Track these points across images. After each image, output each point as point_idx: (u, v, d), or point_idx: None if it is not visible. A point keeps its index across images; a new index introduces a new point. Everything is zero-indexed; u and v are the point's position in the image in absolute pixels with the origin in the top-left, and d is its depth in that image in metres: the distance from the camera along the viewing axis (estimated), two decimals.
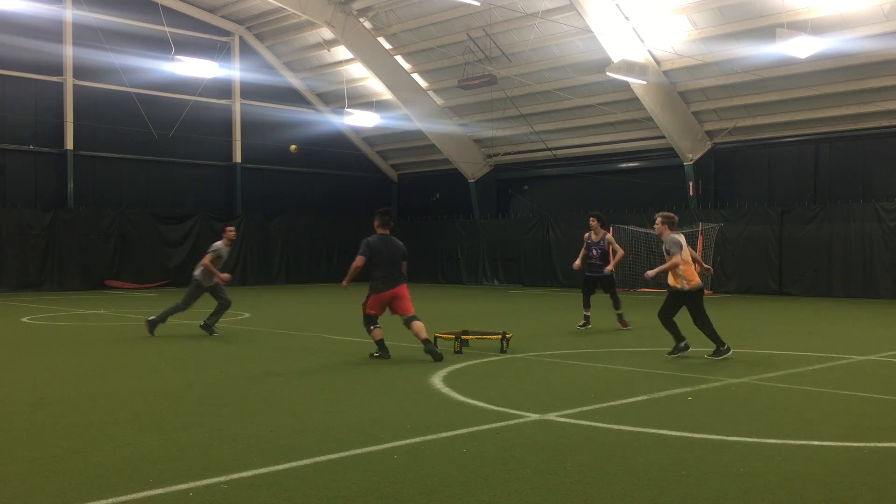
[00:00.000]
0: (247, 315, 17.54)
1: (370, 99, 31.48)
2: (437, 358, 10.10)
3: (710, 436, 6.16)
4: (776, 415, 7.00)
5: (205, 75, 27.48)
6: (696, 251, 25.58)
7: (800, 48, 19.81)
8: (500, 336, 11.21)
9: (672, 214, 10.69)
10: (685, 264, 10.21)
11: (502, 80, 26.98)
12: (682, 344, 10.38)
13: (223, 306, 13.48)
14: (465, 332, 11.40)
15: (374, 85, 30.63)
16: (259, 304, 20.92)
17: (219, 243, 13.58)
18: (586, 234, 14.40)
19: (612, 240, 14.33)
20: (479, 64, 26.98)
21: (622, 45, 23.78)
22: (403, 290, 10.46)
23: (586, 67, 26.15)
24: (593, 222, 14.22)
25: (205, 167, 31.19)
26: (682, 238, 10.46)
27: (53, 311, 18.64)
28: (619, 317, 14.40)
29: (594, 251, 14.15)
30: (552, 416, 6.84)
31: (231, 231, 13.90)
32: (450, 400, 7.64)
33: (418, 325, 10.38)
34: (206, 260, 13.38)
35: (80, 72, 27.77)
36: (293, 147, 14.16)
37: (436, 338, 11.50)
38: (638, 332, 13.89)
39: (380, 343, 10.42)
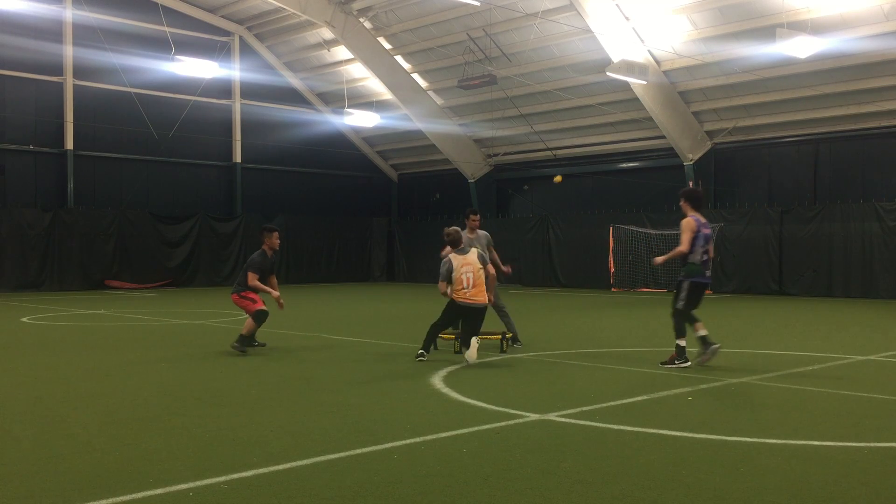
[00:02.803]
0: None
1: (370, 99, 31.49)
2: (240, 351, 11.07)
3: (710, 436, 6.16)
4: (776, 415, 6.99)
5: (205, 75, 27.49)
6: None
7: (800, 48, 19.81)
8: (500, 336, 11.21)
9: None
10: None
11: (502, 80, 26.98)
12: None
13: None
14: None
15: (374, 85, 30.64)
16: None
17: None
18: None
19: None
20: (479, 64, 26.98)
21: (622, 45, 23.78)
22: (234, 298, 11.57)
23: (586, 67, 26.15)
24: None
25: (205, 167, 31.20)
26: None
27: (53, 311, 18.64)
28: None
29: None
30: (552, 416, 6.84)
31: (470, 219, 12.09)
32: (450, 400, 7.63)
33: (248, 322, 11.30)
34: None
35: (80, 72, 27.77)
36: (558, 178, 13.18)
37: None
38: (638, 333, 13.90)
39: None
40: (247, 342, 11.21)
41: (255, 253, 11.85)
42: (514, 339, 11.58)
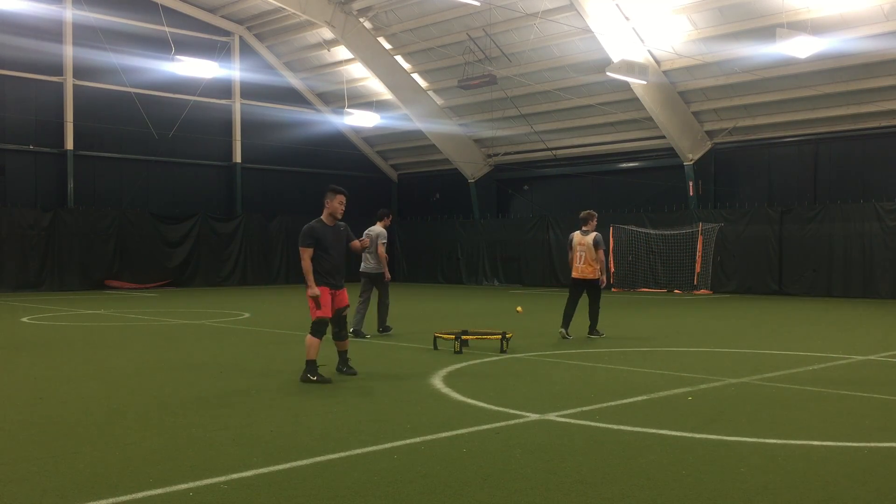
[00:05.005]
0: (247, 315, 17.53)
1: (370, 99, 31.49)
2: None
3: (710, 436, 6.16)
4: (776, 415, 6.99)
5: (205, 75, 27.48)
6: (697, 252, 25.64)
7: (800, 48, 19.81)
8: (500, 336, 11.21)
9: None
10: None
11: (502, 80, 26.98)
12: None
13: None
14: (465, 332, 11.38)
15: (374, 85, 30.63)
16: (259, 304, 20.92)
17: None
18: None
19: None
20: (479, 64, 26.98)
21: (622, 45, 23.78)
22: None
23: (586, 67, 26.15)
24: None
25: (205, 167, 31.20)
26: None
27: (53, 311, 18.64)
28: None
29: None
30: (552, 416, 6.84)
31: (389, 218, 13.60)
32: (450, 400, 7.63)
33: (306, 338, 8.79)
34: (381, 250, 12.97)
35: (80, 72, 27.78)
36: (519, 308, 14.35)
37: (436, 338, 11.53)
38: (637, 333, 13.90)
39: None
40: (312, 368, 8.51)
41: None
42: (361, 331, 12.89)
